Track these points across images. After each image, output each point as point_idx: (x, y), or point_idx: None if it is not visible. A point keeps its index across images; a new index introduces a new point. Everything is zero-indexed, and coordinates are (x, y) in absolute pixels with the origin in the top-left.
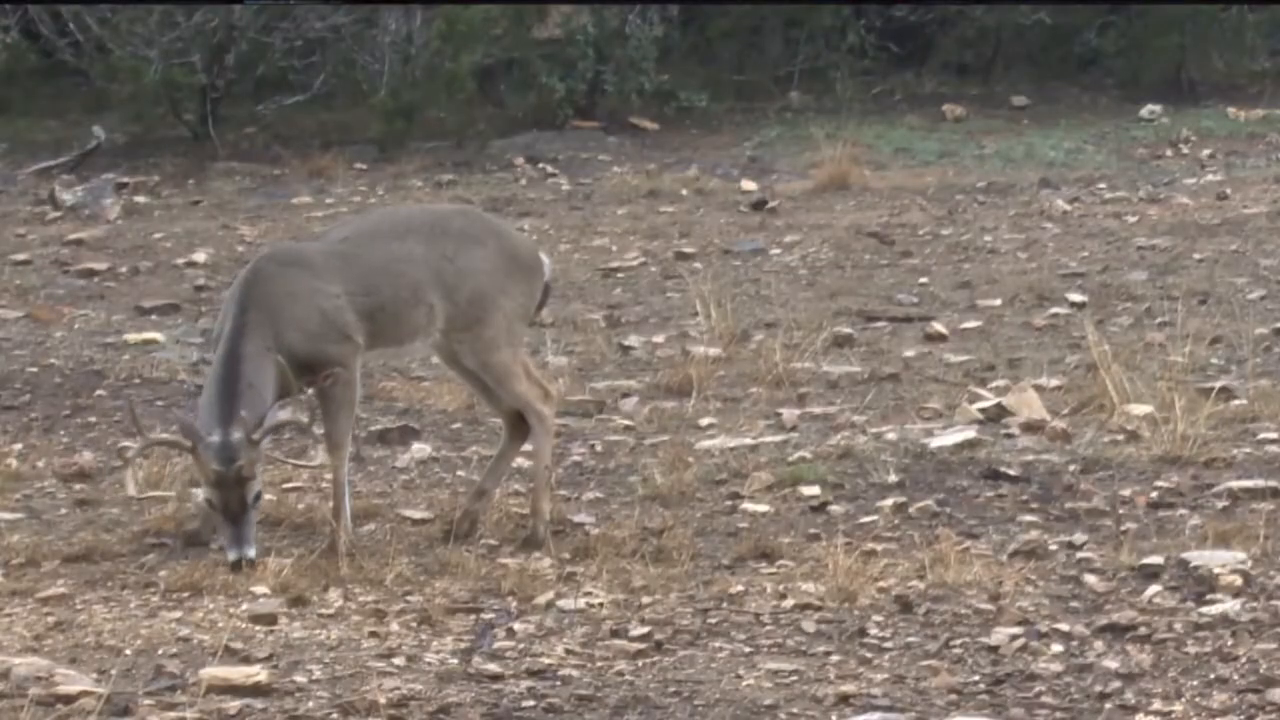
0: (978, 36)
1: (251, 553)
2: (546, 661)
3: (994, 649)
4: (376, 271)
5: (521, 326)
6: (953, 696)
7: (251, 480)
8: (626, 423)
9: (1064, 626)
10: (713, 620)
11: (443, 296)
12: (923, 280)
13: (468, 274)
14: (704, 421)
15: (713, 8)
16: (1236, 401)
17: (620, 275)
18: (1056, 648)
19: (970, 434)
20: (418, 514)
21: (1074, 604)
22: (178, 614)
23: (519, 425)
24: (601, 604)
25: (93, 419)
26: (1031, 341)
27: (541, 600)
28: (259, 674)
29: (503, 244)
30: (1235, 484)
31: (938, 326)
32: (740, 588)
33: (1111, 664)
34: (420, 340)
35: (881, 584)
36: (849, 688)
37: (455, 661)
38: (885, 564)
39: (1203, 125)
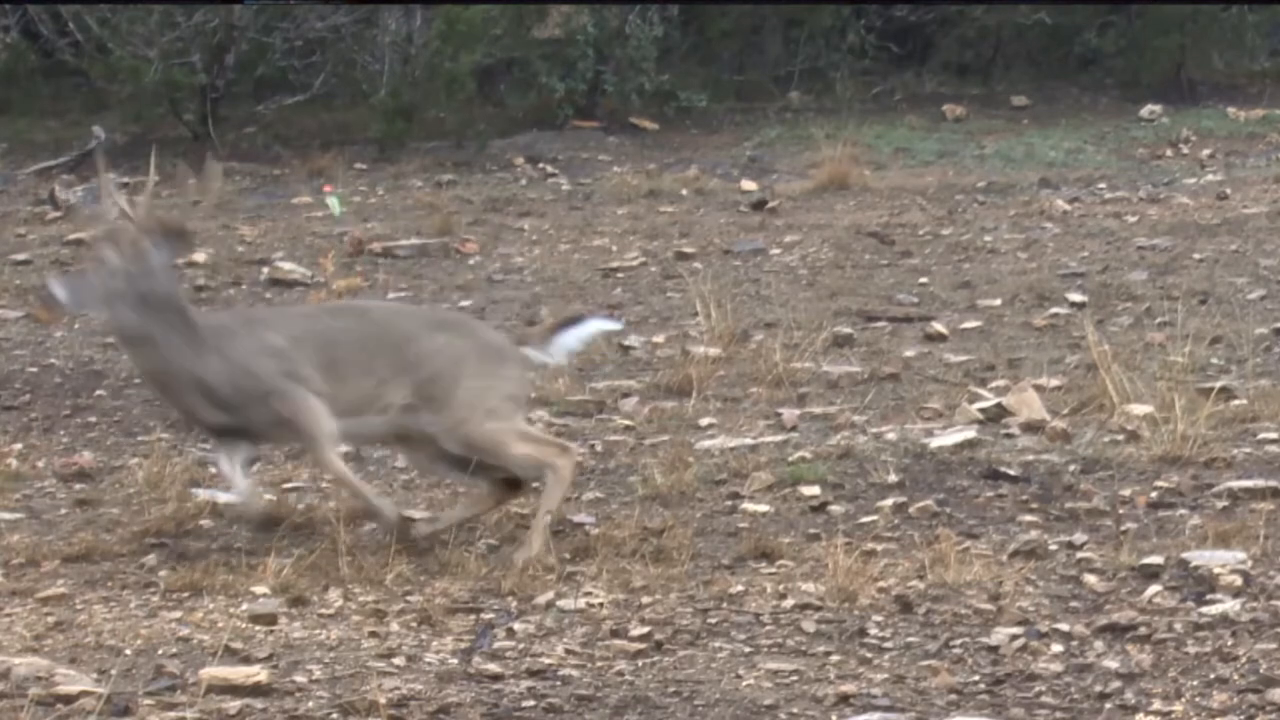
0: (978, 36)
1: None
2: (546, 661)
3: (994, 649)
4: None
5: (508, 406)
6: (953, 696)
7: None
8: (626, 423)
9: (1064, 626)
10: (713, 620)
11: (399, 371)
12: (923, 280)
13: (427, 356)
14: (704, 421)
15: (713, 8)
16: (1236, 401)
17: (620, 275)
18: (1056, 648)
19: (970, 434)
20: (418, 514)
21: (1074, 604)
22: (178, 614)
23: (508, 489)
24: (601, 604)
25: (93, 419)
26: (1031, 341)
27: (541, 600)
28: (259, 674)
29: (473, 336)
30: (1235, 484)
31: (938, 326)
32: (740, 588)
33: (1111, 664)
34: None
35: (881, 584)
36: (849, 688)
37: (455, 661)
38: (885, 564)
39: (1203, 125)
